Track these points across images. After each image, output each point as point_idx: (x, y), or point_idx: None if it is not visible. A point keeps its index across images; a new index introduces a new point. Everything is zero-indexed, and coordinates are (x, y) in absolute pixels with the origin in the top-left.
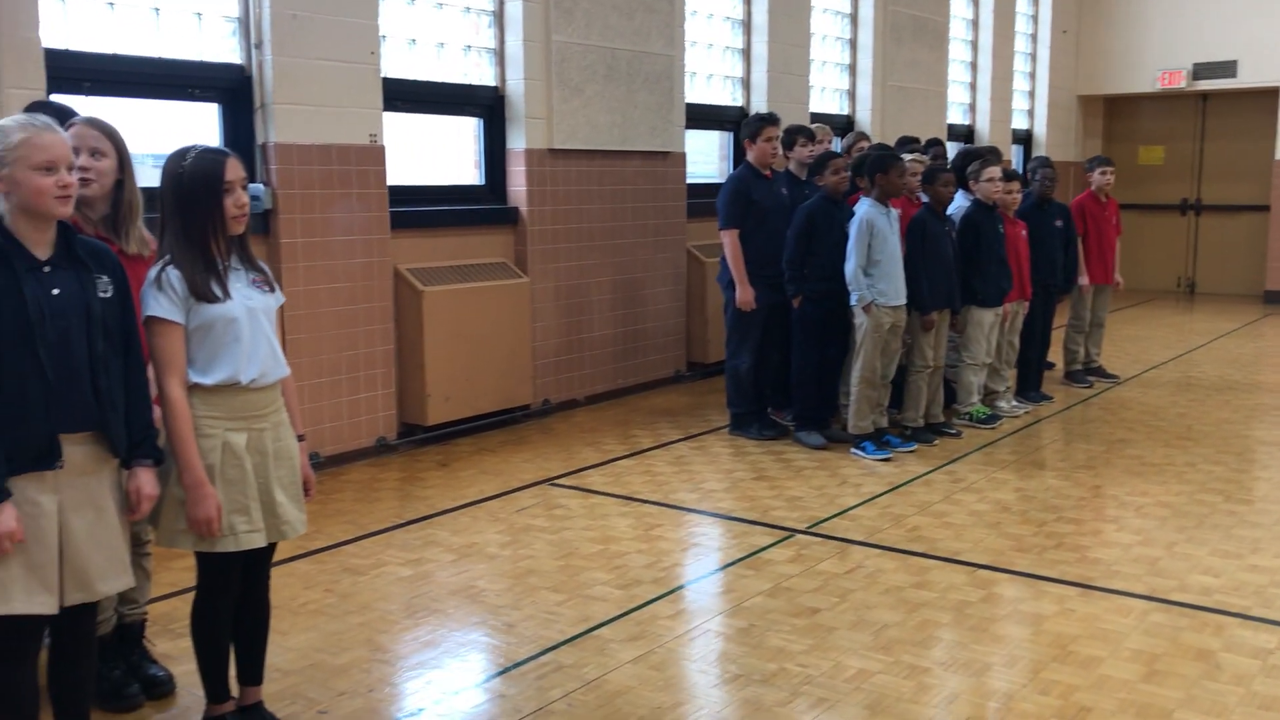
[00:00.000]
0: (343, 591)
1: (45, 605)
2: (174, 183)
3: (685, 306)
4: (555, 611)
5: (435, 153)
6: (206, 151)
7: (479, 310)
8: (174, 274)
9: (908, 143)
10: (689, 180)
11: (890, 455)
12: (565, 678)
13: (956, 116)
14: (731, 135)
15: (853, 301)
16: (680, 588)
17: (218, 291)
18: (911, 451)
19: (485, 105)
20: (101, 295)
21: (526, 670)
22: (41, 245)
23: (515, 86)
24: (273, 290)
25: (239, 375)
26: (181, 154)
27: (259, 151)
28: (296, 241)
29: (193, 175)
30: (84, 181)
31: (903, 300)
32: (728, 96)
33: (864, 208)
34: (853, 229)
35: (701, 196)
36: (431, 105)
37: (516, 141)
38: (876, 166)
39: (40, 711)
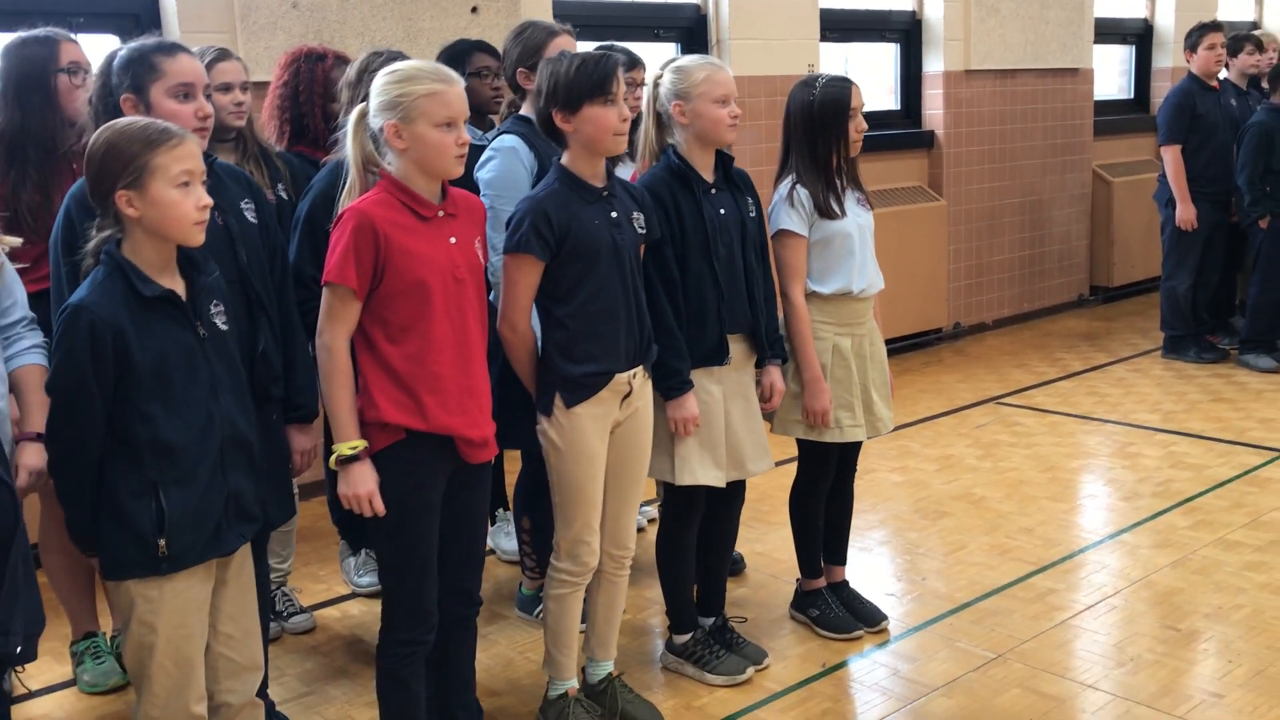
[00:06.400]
0: None
1: (716, 479)
2: (804, 108)
3: (1089, 229)
4: (1066, 519)
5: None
6: (835, 80)
7: (897, 234)
8: (803, 192)
9: None
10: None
11: None
12: (1112, 576)
13: None
14: (1133, 49)
15: None
16: (1187, 500)
17: (837, 209)
18: None
19: (902, 30)
20: (750, 215)
21: (1066, 568)
22: (708, 170)
23: (934, 9)
24: (871, 209)
25: (851, 285)
26: (810, 82)
27: None
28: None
29: (823, 102)
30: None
31: None
32: (1132, 8)
33: None
34: None
35: (1105, 114)
36: (856, 33)
37: (934, 64)
38: None
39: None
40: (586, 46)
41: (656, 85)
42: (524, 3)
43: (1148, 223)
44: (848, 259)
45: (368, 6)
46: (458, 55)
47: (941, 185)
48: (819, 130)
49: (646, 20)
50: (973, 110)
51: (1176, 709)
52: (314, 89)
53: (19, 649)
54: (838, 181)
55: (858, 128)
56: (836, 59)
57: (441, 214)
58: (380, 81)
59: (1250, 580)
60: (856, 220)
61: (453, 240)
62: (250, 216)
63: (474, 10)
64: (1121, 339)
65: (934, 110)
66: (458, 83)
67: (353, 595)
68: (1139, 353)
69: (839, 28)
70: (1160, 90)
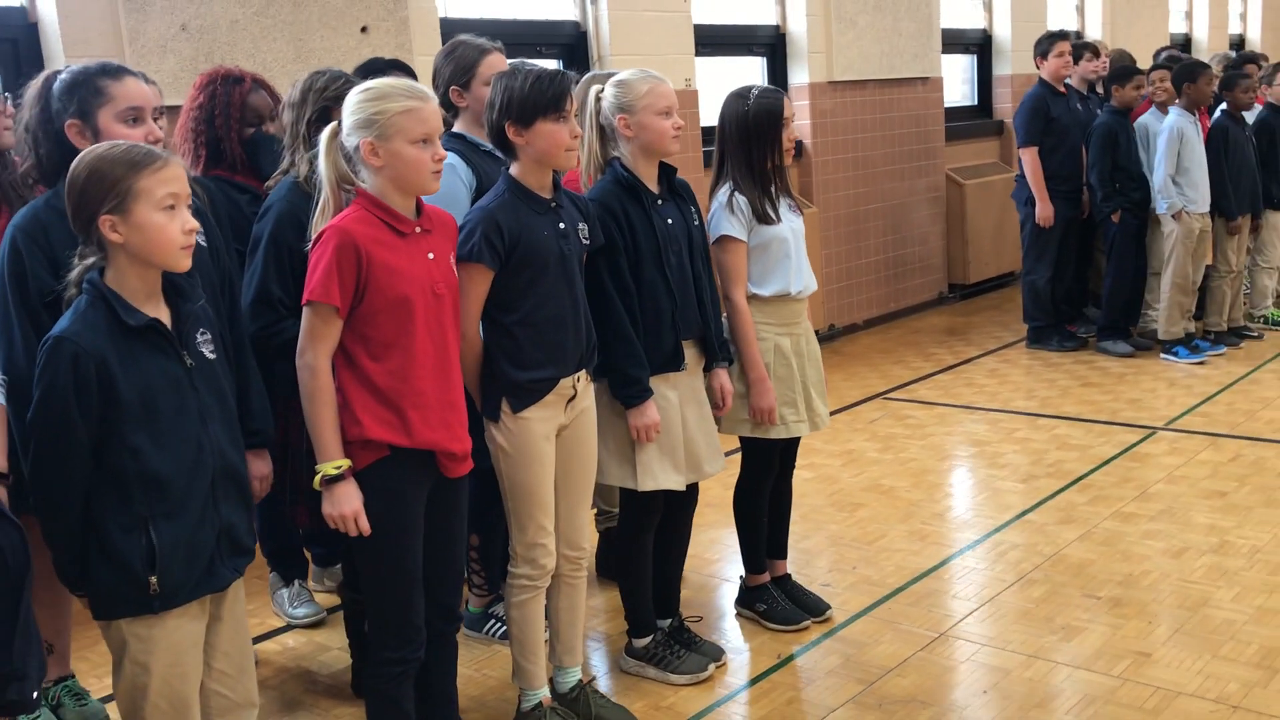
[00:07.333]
0: None
1: (677, 483)
2: (739, 119)
3: (945, 230)
4: (972, 502)
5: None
6: (767, 91)
7: None
8: (741, 199)
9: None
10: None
11: (1204, 359)
12: (1027, 553)
13: (1175, 24)
14: (975, 58)
15: (1161, 209)
16: (1080, 479)
17: (773, 214)
18: (1220, 354)
19: (768, 44)
20: (695, 223)
21: (984, 549)
22: (653, 180)
23: (797, 23)
24: (801, 214)
25: (789, 287)
26: (743, 93)
27: None
28: None
29: (757, 112)
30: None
31: (1208, 206)
32: (972, 19)
33: (1173, 117)
34: (1162, 138)
35: (953, 120)
36: (727, 48)
37: (799, 76)
38: (1186, 75)
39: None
40: None
41: (598, 100)
42: (412, 21)
43: (998, 222)
44: (785, 262)
45: (257, 28)
46: (372, 74)
47: (812, 193)
48: (754, 139)
49: (529, 37)
50: (836, 120)
51: (1112, 670)
52: (230, 112)
53: (35, 694)
54: (772, 188)
55: (790, 136)
56: (711, 73)
57: (419, 230)
58: (354, 100)
59: (1151, 548)
60: (790, 225)
61: (431, 256)
62: (200, 241)
63: (364, 30)
64: (985, 332)
65: (801, 121)
66: (432, 99)
67: (288, 627)
68: (1004, 344)
69: (711, 43)
70: (1001, 96)
